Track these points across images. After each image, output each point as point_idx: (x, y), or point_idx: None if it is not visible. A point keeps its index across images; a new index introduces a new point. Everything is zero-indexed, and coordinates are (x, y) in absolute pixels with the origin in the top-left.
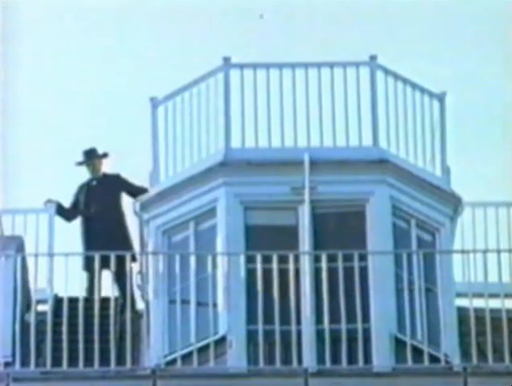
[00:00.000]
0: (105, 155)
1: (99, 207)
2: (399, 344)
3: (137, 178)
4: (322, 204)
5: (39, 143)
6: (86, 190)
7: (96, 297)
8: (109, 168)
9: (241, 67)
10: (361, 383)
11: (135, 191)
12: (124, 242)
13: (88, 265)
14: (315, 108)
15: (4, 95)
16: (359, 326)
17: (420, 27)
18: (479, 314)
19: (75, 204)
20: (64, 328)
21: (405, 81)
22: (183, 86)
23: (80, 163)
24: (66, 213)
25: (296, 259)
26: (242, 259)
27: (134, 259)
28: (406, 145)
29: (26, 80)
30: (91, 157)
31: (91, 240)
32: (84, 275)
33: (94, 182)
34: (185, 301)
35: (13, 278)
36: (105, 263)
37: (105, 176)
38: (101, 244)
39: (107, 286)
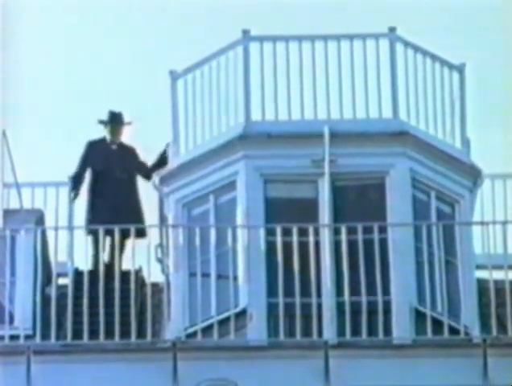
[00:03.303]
0: (129, 123)
1: (120, 172)
2: (419, 316)
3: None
4: (342, 177)
5: (56, 120)
6: (104, 150)
7: (116, 269)
8: (127, 137)
9: (261, 39)
10: (381, 355)
11: (144, 170)
12: (137, 215)
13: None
14: (335, 80)
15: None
16: (379, 298)
17: None
18: (499, 285)
19: (83, 165)
20: (85, 301)
21: (424, 53)
22: (202, 59)
23: (103, 122)
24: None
25: (316, 231)
26: (262, 232)
27: (142, 235)
28: (425, 117)
29: (44, 55)
30: (117, 120)
31: (103, 204)
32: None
33: (114, 147)
34: (205, 274)
35: (33, 252)
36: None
37: (123, 145)
38: (112, 211)
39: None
